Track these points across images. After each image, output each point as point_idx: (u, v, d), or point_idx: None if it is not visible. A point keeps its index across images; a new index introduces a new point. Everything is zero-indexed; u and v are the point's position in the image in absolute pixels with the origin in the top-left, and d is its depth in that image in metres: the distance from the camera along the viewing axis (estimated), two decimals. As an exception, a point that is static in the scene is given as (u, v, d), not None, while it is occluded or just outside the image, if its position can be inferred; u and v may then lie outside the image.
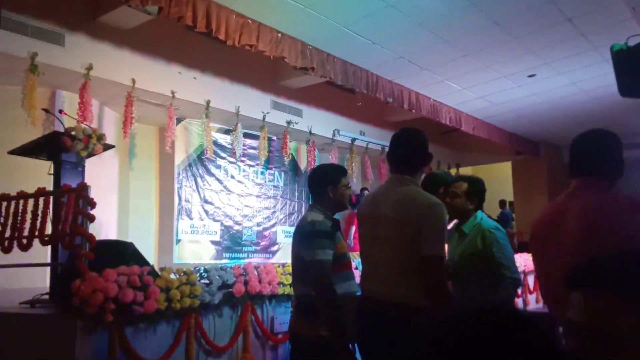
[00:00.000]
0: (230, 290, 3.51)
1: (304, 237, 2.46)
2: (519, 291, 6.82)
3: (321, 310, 2.32)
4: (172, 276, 3.20)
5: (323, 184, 2.58)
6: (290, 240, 9.02)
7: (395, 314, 2.11)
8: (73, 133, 3.59)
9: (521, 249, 8.70)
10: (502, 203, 12.78)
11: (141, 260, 3.36)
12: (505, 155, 11.73)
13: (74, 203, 3.11)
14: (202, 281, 3.39)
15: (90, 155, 3.75)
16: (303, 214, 2.50)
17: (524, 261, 7.08)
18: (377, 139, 9.50)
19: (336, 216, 2.64)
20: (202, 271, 3.55)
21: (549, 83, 7.58)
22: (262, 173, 8.71)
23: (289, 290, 3.82)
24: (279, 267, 3.92)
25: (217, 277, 3.44)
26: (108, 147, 3.92)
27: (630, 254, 0.85)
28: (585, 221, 1.73)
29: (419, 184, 2.35)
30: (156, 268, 3.81)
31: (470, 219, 2.81)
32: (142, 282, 3.00)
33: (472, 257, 2.78)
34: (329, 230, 2.45)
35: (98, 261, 3.03)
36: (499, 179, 13.30)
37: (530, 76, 7.33)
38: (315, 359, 2.36)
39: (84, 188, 3.09)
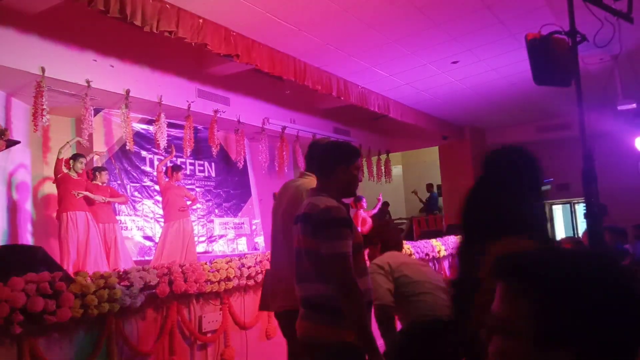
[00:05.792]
0: (153, 291, 3.34)
1: (319, 226, 2.09)
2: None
3: (346, 312, 2.03)
4: (88, 280, 2.99)
5: (335, 162, 2.24)
6: (229, 231, 8.84)
7: None
8: (-30, 129, 3.27)
9: (449, 231, 9.00)
10: (429, 186, 13.22)
11: (53, 266, 3.12)
12: (433, 140, 12.04)
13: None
14: (123, 284, 3.20)
15: (-9, 152, 3.43)
16: (305, 199, 2.25)
17: (452, 244, 7.34)
18: (308, 126, 9.44)
19: None
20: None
21: (471, 69, 7.80)
22: (191, 164, 8.43)
23: (217, 287, 3.69)
24: (205, 264, 3.78)
25: (139, 278, 3.26)
26: (12, 143, 3.62)
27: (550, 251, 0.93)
28: None
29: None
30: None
31: None
32: (54, 289, 2.78)
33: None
34: (347, 217, 2.13)
35: (3, 268, 2.79)
36: (427, 163, 13.68)
37: (453, 62, 7.51)
38: None
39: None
